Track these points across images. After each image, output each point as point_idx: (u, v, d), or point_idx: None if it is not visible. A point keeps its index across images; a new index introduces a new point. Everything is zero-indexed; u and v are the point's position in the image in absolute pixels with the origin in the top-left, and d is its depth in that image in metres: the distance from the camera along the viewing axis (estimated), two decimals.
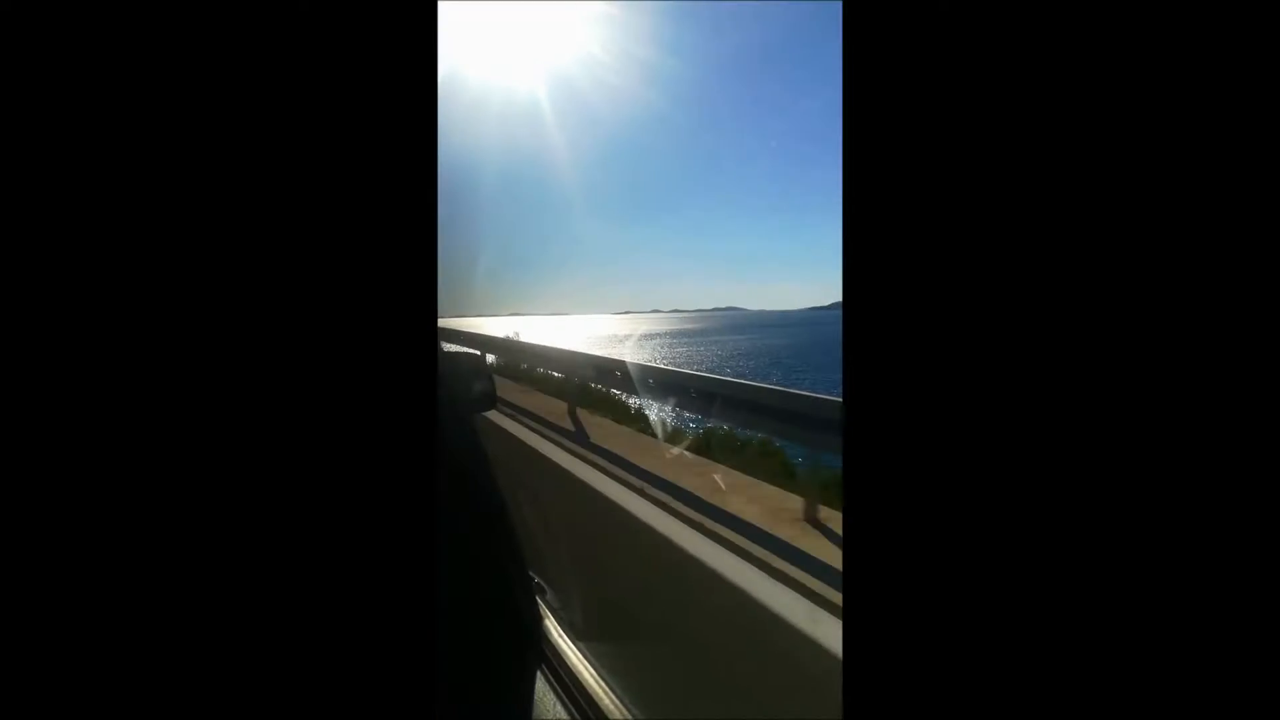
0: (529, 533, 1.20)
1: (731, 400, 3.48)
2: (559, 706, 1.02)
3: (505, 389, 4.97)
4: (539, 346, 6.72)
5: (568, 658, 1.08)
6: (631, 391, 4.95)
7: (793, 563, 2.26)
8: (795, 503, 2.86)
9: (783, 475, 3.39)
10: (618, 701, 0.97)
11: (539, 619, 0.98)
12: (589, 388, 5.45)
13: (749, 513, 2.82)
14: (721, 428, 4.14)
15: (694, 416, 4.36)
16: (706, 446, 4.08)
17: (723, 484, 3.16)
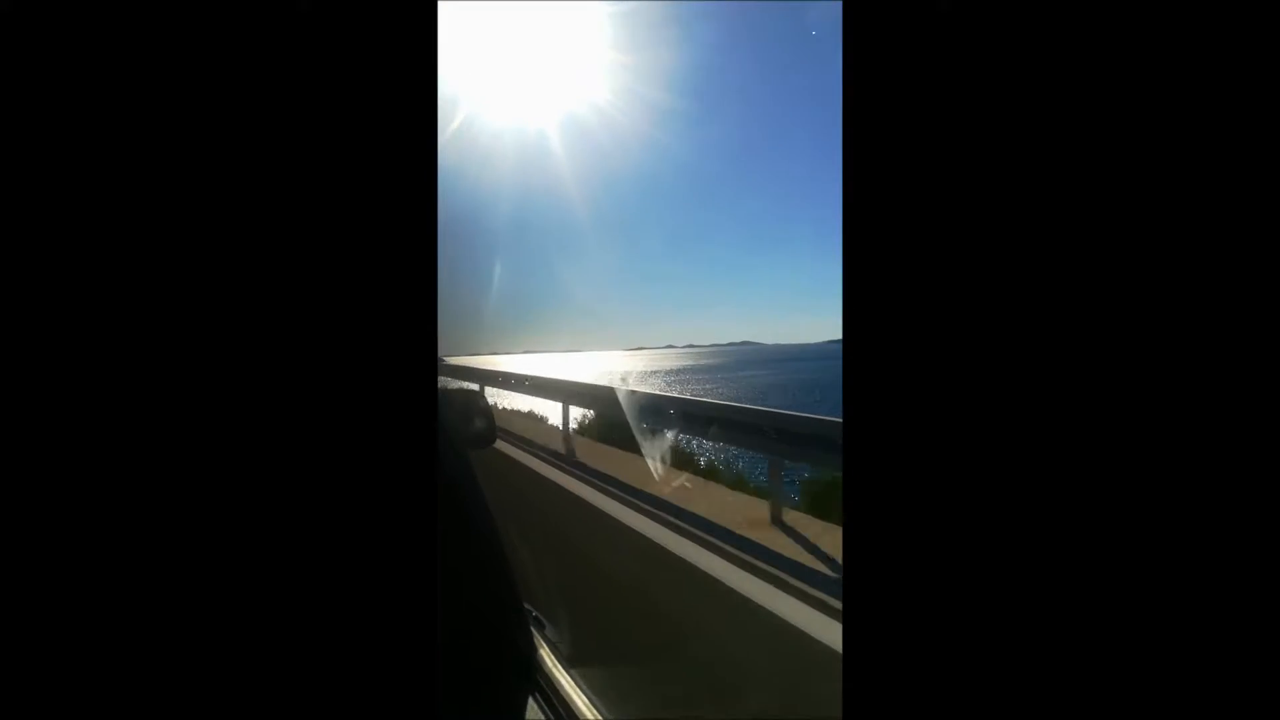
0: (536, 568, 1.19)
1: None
2: None
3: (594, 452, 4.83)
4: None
5: (561, 686, 1.08)
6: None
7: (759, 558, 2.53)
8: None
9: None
10: None
11: (533, 648, 0.98)
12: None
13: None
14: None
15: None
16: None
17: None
